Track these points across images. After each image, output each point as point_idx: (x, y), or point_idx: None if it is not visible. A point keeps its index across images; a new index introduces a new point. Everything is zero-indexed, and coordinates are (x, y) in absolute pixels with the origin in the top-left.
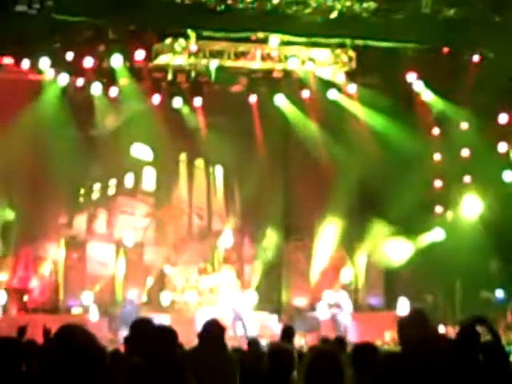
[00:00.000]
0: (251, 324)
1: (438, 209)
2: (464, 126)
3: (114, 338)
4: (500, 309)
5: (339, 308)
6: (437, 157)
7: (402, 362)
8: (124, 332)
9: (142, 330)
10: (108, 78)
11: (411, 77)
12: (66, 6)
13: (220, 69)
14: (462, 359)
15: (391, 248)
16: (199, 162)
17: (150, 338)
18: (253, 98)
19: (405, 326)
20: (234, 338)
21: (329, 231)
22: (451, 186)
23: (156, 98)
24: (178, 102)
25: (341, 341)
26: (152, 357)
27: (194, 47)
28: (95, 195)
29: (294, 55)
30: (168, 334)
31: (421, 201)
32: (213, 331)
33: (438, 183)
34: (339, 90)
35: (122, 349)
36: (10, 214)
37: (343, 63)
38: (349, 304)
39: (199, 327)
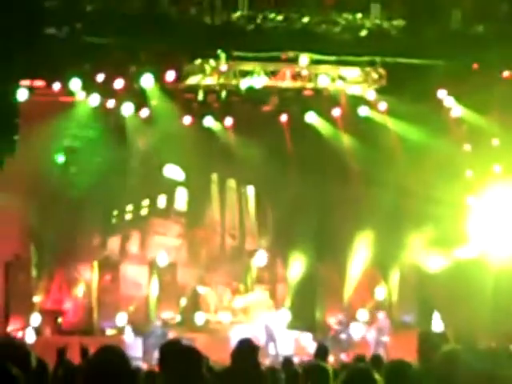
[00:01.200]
0: (285, 343)
1: (471, 226)
2: (495, 142)
3: (148, 357)
4: None
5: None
6: (469, 173)
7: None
8: (156, 353)
9: (169, 351)
10: (139, 99)
11: (442, 93)
12: (96, 27)
13: (250, 88)
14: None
15: (425, 263)
16: (231, 182)
17: (175, 359)
18: (284, 117)
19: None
20: (268, 357)
21: (362, 249)
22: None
23: (187, 119)
24: (208, 122)
25: (377, 359)
26: (180, 377)
27: (224, 67)
28: (128, 216)
29: (324, 74)
30: (192, 354)
31: (455, 216)
32: (246, 350)
33: (470, 200)
34: (370, 107)
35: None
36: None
37: (373, 81)
38: (387, 323)
39: (233, 347)
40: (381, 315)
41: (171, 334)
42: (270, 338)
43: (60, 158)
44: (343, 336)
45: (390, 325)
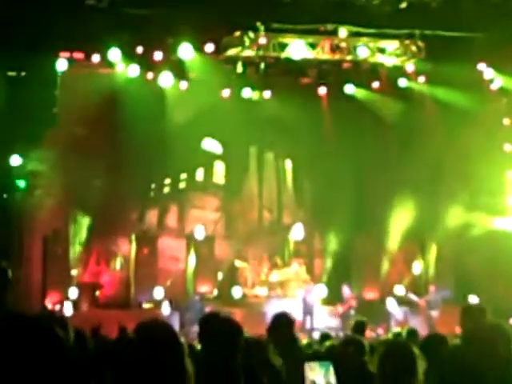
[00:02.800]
0: (321, 317)
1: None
2: None
3: (186, 332)
4: None
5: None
6: (507, 148)
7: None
8: (194, 327)
9: (209, 323)
10: (178, 71)
11: (481, 66)
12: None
13: (289, 61)
14: None
15: (463, 237)
16: (269, 156)
17: (215, 331)
18: (322, 90)
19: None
20: (304, 331)
21: (399, 223)
22: None
23: (226, 91)
24: (247, 94)
25: (413, 333)
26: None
27: (263, 39)
28: (166, 190)
29: (363, 46)
30: (232, 327)
31: (493, 189)
32: (282, 324)
33: (509, 174)
34: (409, 79)
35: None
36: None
37: (412, 53)
38: (437, 297)
39: (269, 321)
40: (432, 289)
41: (208, 309)
42: (307, 312)
43: (100, 130)
44: (380, 310)
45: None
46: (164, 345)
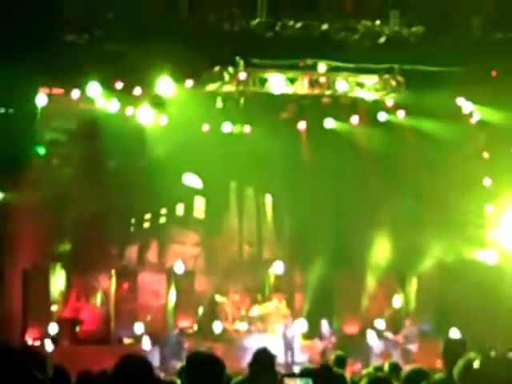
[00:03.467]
0: (301, 352)
1: (490, 233)
2: None
3: (165, 367)
4: None
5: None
6: (487, 182)
7: None
8: (173, 362)
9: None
10: (157, 106)
11: (460, 100)
12: (116, 35)
13: (268, 96)
14: None
15: (443, 271)
16: (249, 190)
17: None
18: (302, 125)
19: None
20: (283, 366)
21: (379, 257)
22: (502, 210)
23: (206, 126)
24: (227, 128)
25: (395, 367)
26: None
27: (242, 75)
28: (146, 225)
29: (342, 81)
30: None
31: (473, 222)
32: (263, 359)
33: (488, 208)
34: (388, 114)
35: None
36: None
37: (392, 88)
38: (413, 331)
39: (250, 356)
40: (407, 322)
41: (187, 344)
42: (287, 347)
43: (77, 166)
44: (361, 344)
45: (417, 332)
46: (141, 379)
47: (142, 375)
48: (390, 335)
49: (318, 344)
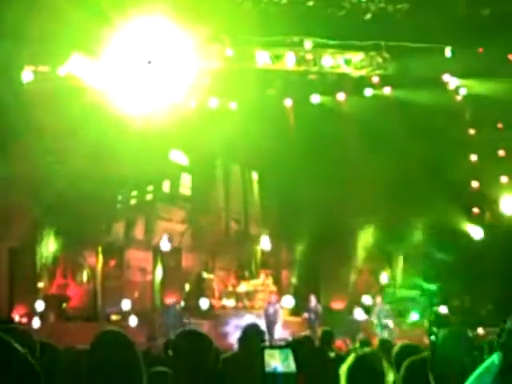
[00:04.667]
0: (286, 328)
1: (475, 209)
2: (499, 125)
3: (153, 343)
4: None
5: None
6: (473, 158)
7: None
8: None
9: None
10: None
11: (446, 76)
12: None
13: (255, 72)
14: None
15: (429, 248)
16: (235, 167)
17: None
18: (288, 101)
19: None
20: (271, 341)
21: (366, 234)
22: (488, 187)
23: (192, 103)
24: (214, 103)
25: (385, 342)
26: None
27: (229, 51)
28: (133, 202)
29: (328, 57)
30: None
31: (458, 201)
32: (253, 335)
33: (474, 184)
34: (375, 90)
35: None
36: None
37: (378, 65)
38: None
39: (237, 332)
40: (378, 299)
41: (186, 318)
42: (269, 324)
43: (64, 143)
44: (348, 320)
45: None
46: (118, 349)
47: (120, 350)
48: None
49: (307, 316)
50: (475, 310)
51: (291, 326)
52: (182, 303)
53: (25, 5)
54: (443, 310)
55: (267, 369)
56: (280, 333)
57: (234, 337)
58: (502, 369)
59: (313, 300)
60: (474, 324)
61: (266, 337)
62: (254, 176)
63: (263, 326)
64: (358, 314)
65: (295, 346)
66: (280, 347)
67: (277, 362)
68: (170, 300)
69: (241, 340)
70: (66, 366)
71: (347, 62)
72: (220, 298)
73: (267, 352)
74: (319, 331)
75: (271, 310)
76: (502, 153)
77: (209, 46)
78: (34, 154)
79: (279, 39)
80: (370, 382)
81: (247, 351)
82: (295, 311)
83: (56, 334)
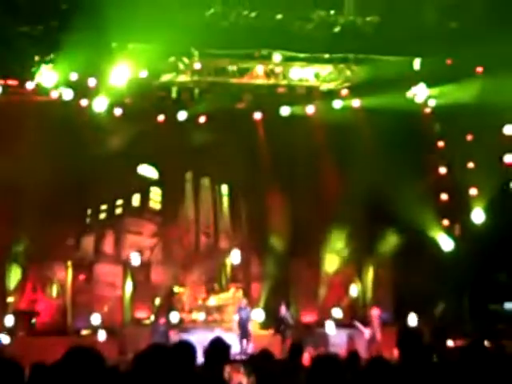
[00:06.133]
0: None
1: (445, 222)
2: (469, 138)
3: (123, 358)
4: (509, 320)
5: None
6: (442, 170)
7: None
8: None
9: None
10: (112, 97)
11: (415, 89)
12: (69, 25)
13: (224, 86)
14: (470, 372)
15: (400, 260)
16: (205, 181)
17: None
18: (257, 115)
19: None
20: (240, 355)
21: (336, 247)
22: (457, 199)
23: (161, 117)
24: (182, 116)
25: (353, 355)
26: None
27: (197, 65)
28: (102, 216)
29: (297, 71)
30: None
31: (428, 213)
32: (218, 349)
33: (444, 196)
34: (343, 104)
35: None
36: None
37: (347, 78)
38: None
39: (206, 345)
40: (375, 312)
41: (173, 333)
42: (242, 329)
43: (32, 157)
44: (318, 333)
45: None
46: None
47: (90, 367)
48: (358, 324)
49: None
50: (445, 322)
51: (262, 340)
52: (152, 317)
53: None
54: (413, 321)
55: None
56: (250, 347)
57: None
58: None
59: (283, 308)
60: (444, 336)
61: (239, 348)
62: (224, 189)
63: (232, 339)
64: (329, 328)
65: (256, 362)
66: (243, 362)
67: (241, 376)
68: (138, 315)
69: (207, 353)
70: (34, 381)
71: (316, 75)
72: (190, 312)
73: (231, 367)
74: (288, 343)
75: (243, 315)
76: (471, 165)
77: (177, 60)
78: (1, 167)
79: (248, 52)
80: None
81: (213, 364)
82: (266, 325)
83: (25, 350)
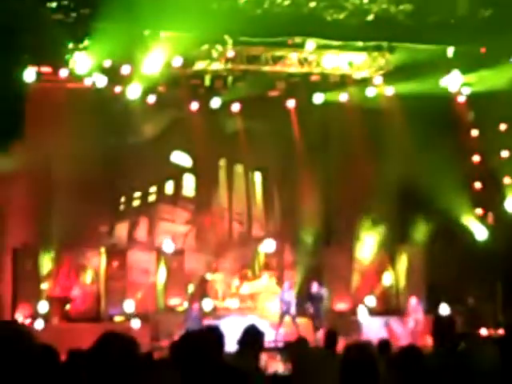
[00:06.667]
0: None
1: (479, 210)
2: (503, 126)
3: (156, 344)
4: None
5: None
6: (476, 158)
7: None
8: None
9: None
10: (146, 84)
11: (449, 77)
12: (103, 13)
13: (257, 74)
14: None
15: (433, 250)
16: (238, 168)
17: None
18: (291, 103)
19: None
20: (276, 342)
21: (369, 235)
22: (491, 187)
23: (194, 105)
24: (216, 103)
25: (384, 344)
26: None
27: (231, 53)
28: (136, 203)
29: (330, 59)
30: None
31: (461, 202)
32: (251, 336)
33: (477, 184)
34: (377, 92)
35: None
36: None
37: (380, 66)
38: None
39: (240, 333)
40: (413, 300)
41: (205, 320)
42: (286, 311)
43: (67, 144)
44: (351, 321)
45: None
46: (122, 357)
47: (123, 353)
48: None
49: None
50: (479, 311)
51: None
52: (186, 304)
53: None
54: (445, 309)
55: (267, 371)
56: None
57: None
58: None
59: (315, 285)
60: (477, 325)
61: (274, 335)
62: (257, 177)
63: (265, 326)
64: (362, 315)
65: (293, 349)
66: (279, 349)
67: (278, 364)
68: (171, 302)
69: (241, 341)
70: (69, 367)
71: (349, 63)
72: (223, 299)
73: (268, 354)
74: (321, 331)
75: (286, 298)
76: (505, 153)
77: (210, 47)
78: (36, 153)
79: (281, 40)
80: (363, 370)
81: (246, 352)
82: (299, 312)
83: (59, 336)
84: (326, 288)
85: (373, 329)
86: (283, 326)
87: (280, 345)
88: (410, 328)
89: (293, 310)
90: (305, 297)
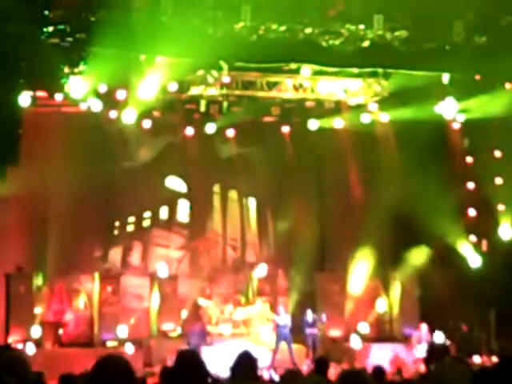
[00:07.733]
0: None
1: (473, 237)
2: (497, 153)
3: (149, 370)
4: None
5: None
6: (470, 185)
7: None
8: None
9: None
10: (141, 109)
11: (443, 104)
12: (99, 37)
13: (252, 99)
14: None
15: (426, 276)
16: (233, 194)
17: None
18: (286, 129)
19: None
20: (270, 367)
21: (363, 261)
22: (485, 214)
23: (189, 130)
24: (211, 129)
25: (379, 370)
26: None
27: (226, 78)
28: (130, 228)
29: (325, 85)
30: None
31: (455, 228)
32: (245, 363)
33: (471, 211)
34: (372, 118)
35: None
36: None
37: (375, 92)
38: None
39: (233, 359)
40: (424, 328)
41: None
42: (282, 336)
43: (61, 169)
44: (344, 348)
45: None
46: (120, 379)
47: (121, 375)
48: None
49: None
50: (472, 338)
51: (287, 354)
52: (179, 330)
53: None
54: (440, 337)
55: None
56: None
57: (228, 364)
58: None
59: (309, 313)
60: (471, 352)
61: (271, 360)
62: (252, 202)
63: (259, 352)
64: (355, 342)
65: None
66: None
67: None
68: (164, 327)
69: (234, 367)
70: None
71: (344, 89)
72: (217, 325)
73: None
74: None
75: (281, 322)
76: (499, 181)
77: (206, 73)
78: (31, 178)
79: (277, 66)
80: None
81: (239, 379)
82: (293, 338)
83: (52, 360)
84: (324, 314)
85: (375, 356)
86: (279, 352)
87: (274, 374)
88: (417, 356)
89: (289, 335)
90: (299, 323)
